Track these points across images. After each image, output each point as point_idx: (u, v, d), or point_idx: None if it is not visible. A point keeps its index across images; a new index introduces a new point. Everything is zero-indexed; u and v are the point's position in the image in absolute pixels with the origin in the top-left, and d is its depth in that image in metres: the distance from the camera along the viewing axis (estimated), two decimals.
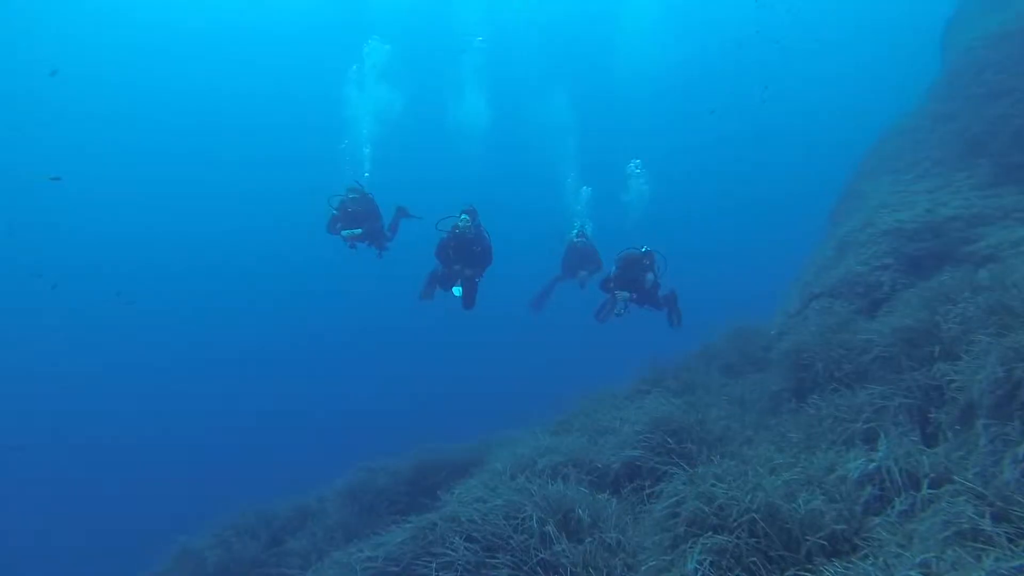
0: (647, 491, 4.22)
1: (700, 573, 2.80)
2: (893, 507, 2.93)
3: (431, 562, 3.79)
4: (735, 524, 2.99)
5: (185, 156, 32.34)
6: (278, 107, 32.93)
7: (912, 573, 2.25)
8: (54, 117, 28.43)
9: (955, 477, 2.70)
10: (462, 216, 7.83)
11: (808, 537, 2.83)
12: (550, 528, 3.67)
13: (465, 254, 8.00)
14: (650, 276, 7.84)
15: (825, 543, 2.83)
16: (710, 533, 3.03)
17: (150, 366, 24.60)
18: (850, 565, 2.55)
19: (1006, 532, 2.22)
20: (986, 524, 2.29)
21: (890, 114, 10.56)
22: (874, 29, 29.77)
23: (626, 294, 7.80)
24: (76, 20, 28.00)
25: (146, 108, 31.53)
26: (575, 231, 9.95)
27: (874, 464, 3.19)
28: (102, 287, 26.05)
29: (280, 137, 32.46)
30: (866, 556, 2.59)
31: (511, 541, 3.64)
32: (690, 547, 2.98)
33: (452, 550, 3.74)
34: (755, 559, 2.82)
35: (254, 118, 33.15)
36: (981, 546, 2.21)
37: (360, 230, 8.22)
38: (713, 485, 3.34)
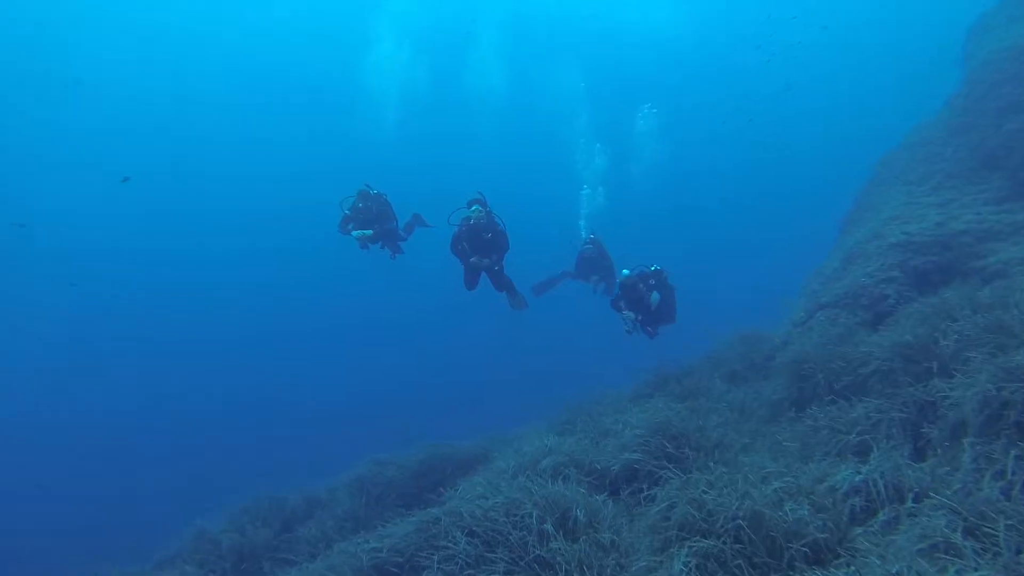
0: (644, 494, 4.36)
1: (685, 575, 2.94)
2: (877, 519, 3.04)
3: (433, 555, 3.98)
4: (722, 529, 3.12)
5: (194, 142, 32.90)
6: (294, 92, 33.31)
7: None
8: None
9: (931, 493, 2.80)
10: (473, 207, 7.79)
11: (791, 545, 2.95)
12: (548, 526, 3.84)
13: (478, 244, 7.96)
14: (655, 296, 7.93)
15: (808, 551, 2.96)
16: (698, 537, 3.17)
17: (165, 357, 25.25)
18: (827, 573, 2.67)
19: (974, 546, 2.33)
20: (957, 538, 2.40)
21: (909, 123, 10.48)
22: (896, 34, 29.29)
23: (631, 314, 7.93)
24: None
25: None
26: (585, 238, 10.05)
27: (861, 476, 3.30)
28: (118, 275, 26.80)
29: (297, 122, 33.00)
30: (843, 565, 2.71)
31: (510, 537, 3.81)
32: (678, 550, 3.12)
33: (453, 544, 3.92)
34: (739, 563, 2.96)
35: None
36: (950, 559, 2.32)
37: (371, 231, 8.31)
38: (704, 492, 3.48)
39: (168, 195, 31.39)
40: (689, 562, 3.00)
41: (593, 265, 9.83)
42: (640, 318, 7.98)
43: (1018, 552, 2.18)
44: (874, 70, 31.34)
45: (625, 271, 8.20)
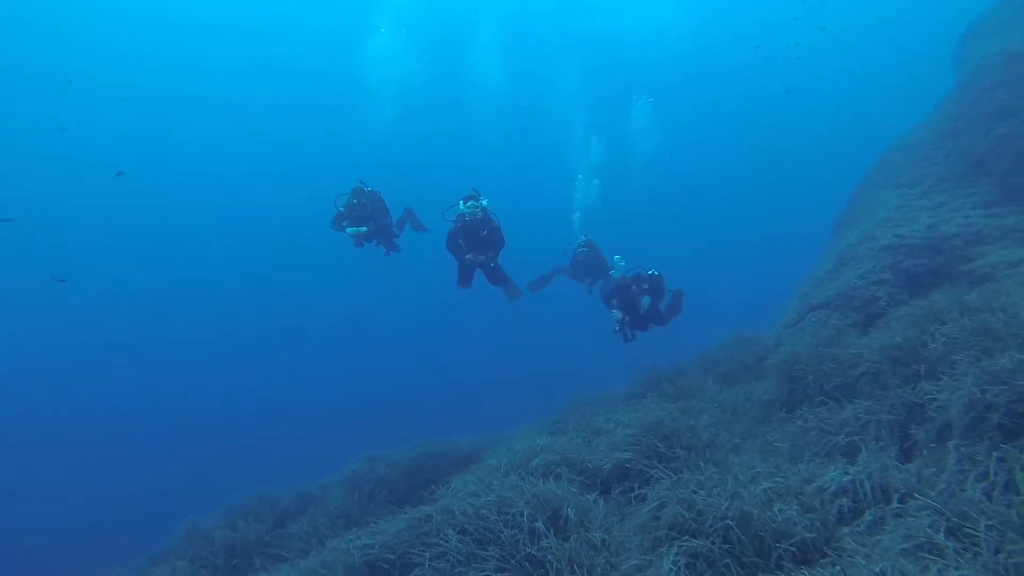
0: (635, 493, 4.40)
1: (675, 574, 2.98)
2: (863, 519, 3.08)
3: (425, 552, 4.00)
4: (711, 529, 3.16)
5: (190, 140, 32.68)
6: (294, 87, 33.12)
7: None
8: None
9: (916, 494, 2.85)
10: (469, 203, 7.76)
11: (779, 544, 2.99)
12: (539, 525, 3.87)
13: (474, 240, 7.92)
14: (646, 300, 7.99)
15: (795, 551, 3.00)
16: (687, 537, 3.20)
17: (163, 357, 25.16)
18: (813, 573, 2.71)
19: (955, 546, 2.37)
20: (940, 538, 2.45)
21: (907, 124, 10.53)
22: (896, 36, 29.44)
23: (618, 313, 7.98)
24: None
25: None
26: (579, 241, 10.09)
27: (849, 477, 3.34)
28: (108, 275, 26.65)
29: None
30: (830, 564, 2.75)
31: (501, 535, 3.84)
32: (667, 549, 3.16)
33: (445, 541, 3.95)
34: (727, 563, 2.99)
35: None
36: (933, 558, 2.36)
37: (365, 228, 8.30)
38: (694, 491, 3.51)
39: (164, 192, 31.21)
40: (678, 561, 3.03)
41: (587, 268, 9.90)
42: (627, 319, 8.04)
43: (997, 551, 2.22)
44: (873, 71, 31.51)
45: (617, 257, 8.23)
